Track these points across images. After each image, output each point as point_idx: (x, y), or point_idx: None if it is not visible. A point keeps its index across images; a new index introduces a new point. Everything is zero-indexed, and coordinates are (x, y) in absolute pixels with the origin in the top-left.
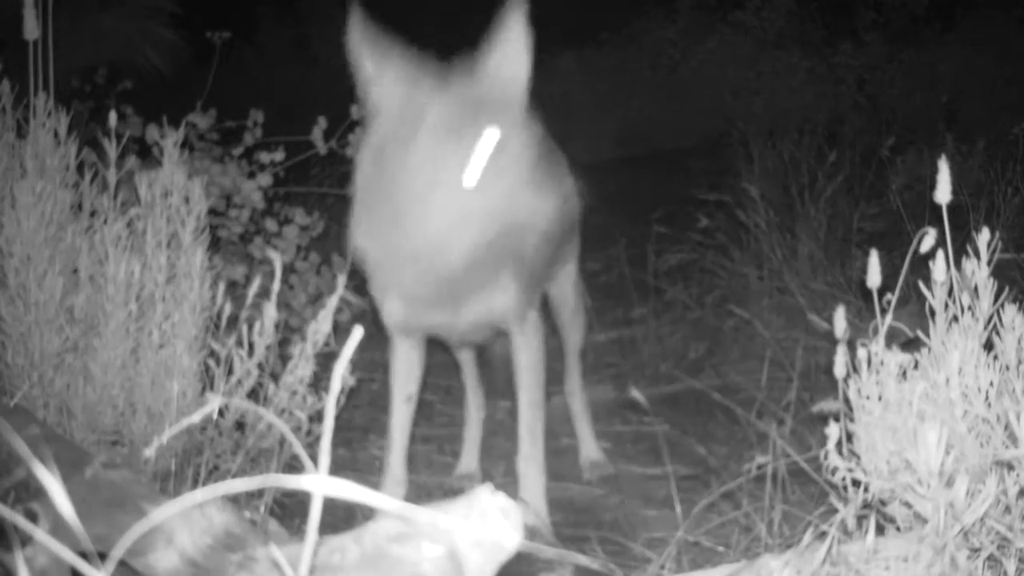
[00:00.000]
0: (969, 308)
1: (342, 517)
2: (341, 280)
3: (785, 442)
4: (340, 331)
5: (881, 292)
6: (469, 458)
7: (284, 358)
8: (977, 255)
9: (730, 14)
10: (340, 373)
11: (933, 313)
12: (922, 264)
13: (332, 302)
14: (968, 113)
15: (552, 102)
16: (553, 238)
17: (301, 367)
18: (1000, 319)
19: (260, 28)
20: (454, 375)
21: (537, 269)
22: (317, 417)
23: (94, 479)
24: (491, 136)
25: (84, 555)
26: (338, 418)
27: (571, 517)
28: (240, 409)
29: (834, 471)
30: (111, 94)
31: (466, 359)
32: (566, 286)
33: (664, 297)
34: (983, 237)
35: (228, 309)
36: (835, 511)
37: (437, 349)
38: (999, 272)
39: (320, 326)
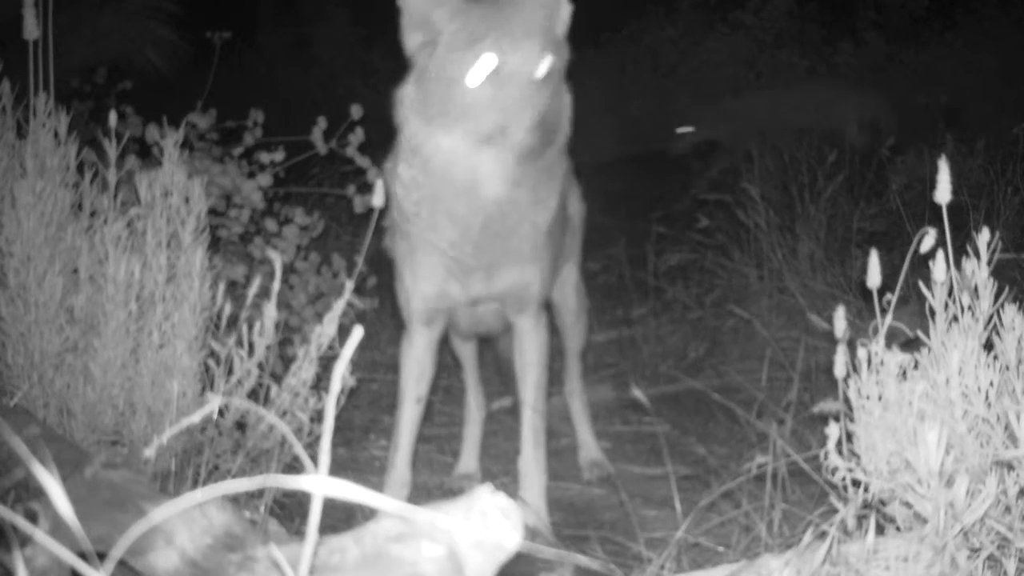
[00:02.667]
0: (969, 308)
1: (342, 517)
2: (349, 285)
3: (785, 442)
4: (340, 331)
5: (881, 292)
6: (469, 458)
7: (284, 358)
8: (977, 255)
9: (730, 14)
10: (340, 373)
11: (933, 313)
12: (922, 264)
13: (339, 305)
14: (968, 113)
15: None
16: (559, 228)
17: (304, 369)
18: (1000, 319)
19: (260, 28)
20: (454, 375)
21: (553, 256)
22: (317, 417)
23: (94, 479)
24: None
25: (84, 555)
26: (338, 418)
27: (571, 517)
28: (240, 409)
29: (834, 471)
30: (111, 94)
31: (468, 358)
32: (568, 288)
33: (664, 297)
34: (983, 237)
35: (228, 309)
36: (835, 511)
37: (438, 350)
38: (999, 272)
39: (325, 329)
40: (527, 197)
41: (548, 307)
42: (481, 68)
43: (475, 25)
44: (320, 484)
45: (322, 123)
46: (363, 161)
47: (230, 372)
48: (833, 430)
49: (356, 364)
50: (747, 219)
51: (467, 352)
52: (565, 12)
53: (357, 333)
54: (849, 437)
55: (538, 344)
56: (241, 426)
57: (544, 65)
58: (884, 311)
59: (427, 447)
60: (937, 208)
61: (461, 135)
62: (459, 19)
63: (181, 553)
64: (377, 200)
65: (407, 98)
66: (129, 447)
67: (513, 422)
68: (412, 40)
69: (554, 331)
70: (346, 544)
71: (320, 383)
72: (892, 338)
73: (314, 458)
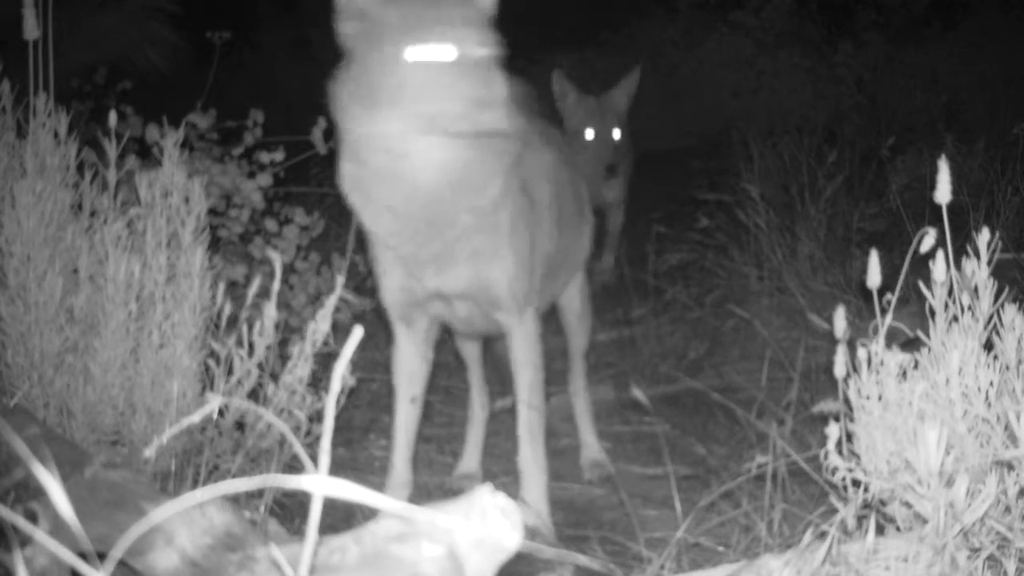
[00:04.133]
0: (969, 308)
1: (342, 517)
2: (340, 280)
3: (785, 442)
4: (340, 331)
5: (881, 292)
6: (470, 458)
7: (284, 358)
8: (977, 255)
9: (730, 14)
10: (340, 373)
11: (933, 313)
12: (922, 264)
13: (331, 302)
14: (968, 113)
15: (553, 102)
16: (562, 245)
17: (300, 367)
18: (1000, 319)
19: (260, 28)
20: (454, 375)
21: (544, 267)
22: (317, 417)
23: (94, 479)
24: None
25: (84, 555)
26: (338, 418)
27: (571, 517)
28: (240, 409)
29: (834, 471)
30: (111, 94)
31: (472, 357)
32: (572, 290)
33: (664, 297)
34: (983, 237)
35: (228, 309)
36: (835, 511)
37: (438, 349)
38: (999, 272)
39: (319, 325)
40: (463, 184)
41: (551, 307)
42: (415, 52)
43: (407, 9)
44: (320, 484)
45: (322, 123)
46: None
47: (230, 372)
48: (833, 430)
49: (356, 364)
50: (747, 219)
51: (471, 352)
52: None
53: (357, 333)
54: (849, 437)
55: (525, 343)
56: (241, 426)
57: (476, 49)
58: (884, 311)
59: (427, 447)
60: (937, 208)
61: (394, 121)
62: (392, 4)
63: (181, 553)
64: None
65: (342, 87)
66: (129, 447)
67: (515, 422)
68: (347, 28)
69: (558, 331)
70: (346, 544)
71: (320, 383)
72: (892, 338)
73: (314, 458)
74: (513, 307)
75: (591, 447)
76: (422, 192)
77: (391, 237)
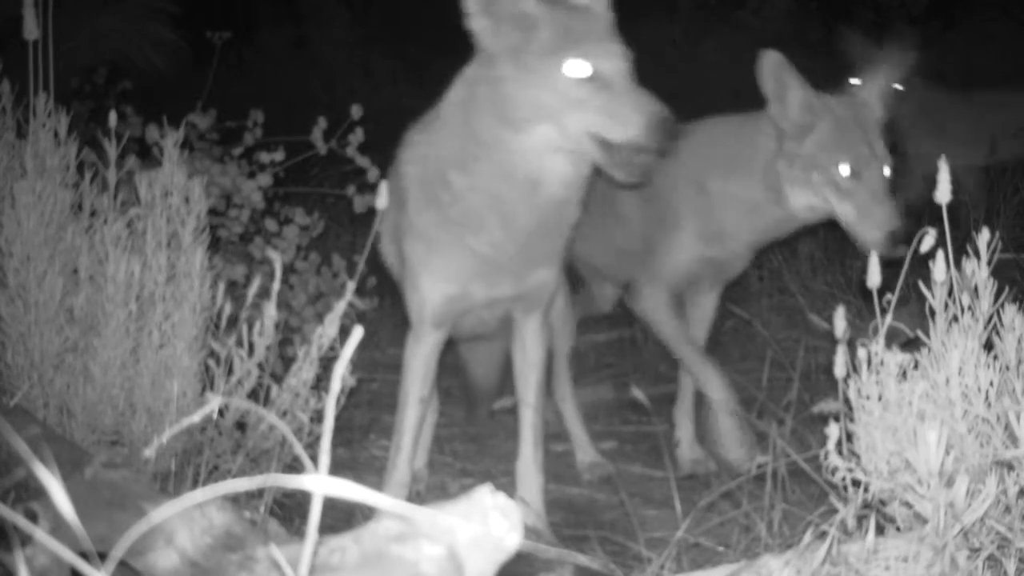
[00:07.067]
0: (969, 308)
1: (342, 517)
2: (351, 284)
3: (785, 442)
4: (340, 331)
5: (881, 292)
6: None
7: (284, 358)
8: (977, 255)
9: (730, 14)
10: (340, 373)
11: (933, 313)
12: (922, 264)
13: (340, 306)
14: None
15: None
16: None
17: (305, 370)
18: (1000, 319)
19: (260, 28)
20: (454, 376)
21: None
22: (317, 417)
23: (94, 479)
24: None
25: (84, 555)
26: (338, 418)
27: (571, 517)
28: (240, 409)
29: (834, 471)
30: (111, 94)
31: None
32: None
33: None
34: (983, 237)
35: (228, 309)
36: (835, 511)
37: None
38: (999, 272)
39: (326, 330)
40: (575, 197)
41: None
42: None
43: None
44: (320, 484)
45: (322, 123)
46: (363, 161)
47: (230, 372)
48: (833, 430)
49: (356, 364)
50: None
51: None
52: None
53: (357, 333)
54: (849, 437)
55: (542, 344)
56: (241, 426)
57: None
58: (884, 311)
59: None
60: (937, 208)
61: (547, 139)
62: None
63: (181, 553)
64: (380, 201)
65: (482, 99)
66: (129, 447)
67: (513, 422)
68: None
69: None
70: (346, 544)
71: (320, 383)
72: (892, 338)
73: (314, 458)
74: (545, 308)
75: (585, 450)
76: (550, 206)
77: (495, 248)
